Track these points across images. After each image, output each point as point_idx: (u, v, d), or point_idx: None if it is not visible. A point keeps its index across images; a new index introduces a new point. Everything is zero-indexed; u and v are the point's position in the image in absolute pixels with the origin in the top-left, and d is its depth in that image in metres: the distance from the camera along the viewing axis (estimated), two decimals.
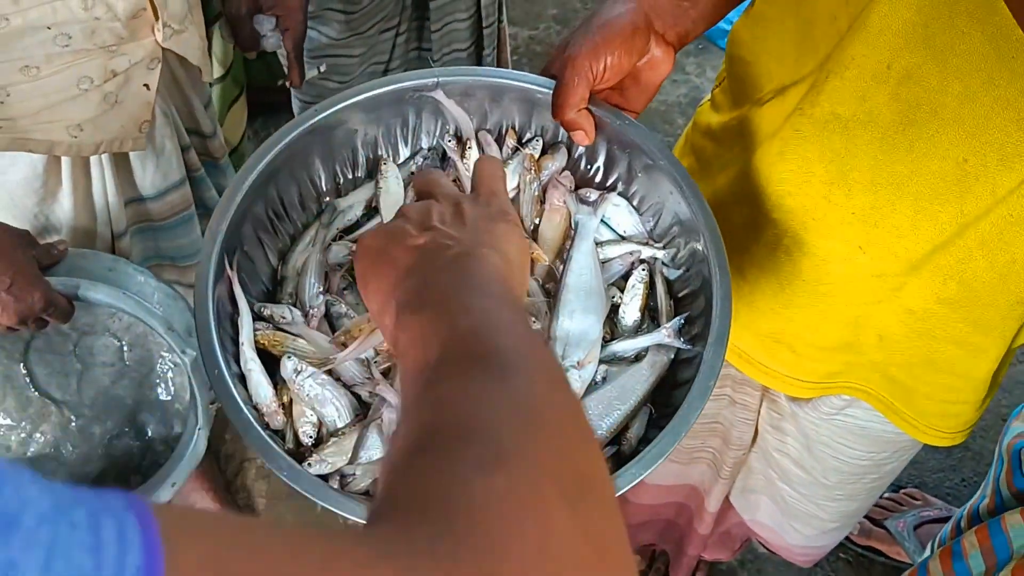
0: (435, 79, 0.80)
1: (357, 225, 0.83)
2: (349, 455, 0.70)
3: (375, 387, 0.72)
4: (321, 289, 0.78)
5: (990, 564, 0.93)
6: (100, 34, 0.91)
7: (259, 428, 0.64)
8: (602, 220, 0.82)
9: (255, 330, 0.74)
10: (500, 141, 0.85)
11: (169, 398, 1.17)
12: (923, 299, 0.78)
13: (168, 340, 0.97)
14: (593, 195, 0.82)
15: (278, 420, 0.71)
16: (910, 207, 0.72)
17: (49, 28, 0.87)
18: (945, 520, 1.49)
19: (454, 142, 0.84)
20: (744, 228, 0.86)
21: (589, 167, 0.84)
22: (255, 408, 0.71)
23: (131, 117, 1.01)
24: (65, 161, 1.02)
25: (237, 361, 0.73)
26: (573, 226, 0.81)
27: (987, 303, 0.76)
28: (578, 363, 0.72)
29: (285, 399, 0.73)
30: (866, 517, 1.63)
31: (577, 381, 0.71)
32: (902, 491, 1.67)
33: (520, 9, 2.53)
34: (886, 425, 0.92)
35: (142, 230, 1.19)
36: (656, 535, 1.43)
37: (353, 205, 0.82)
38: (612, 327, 0.78)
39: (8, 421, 1.12)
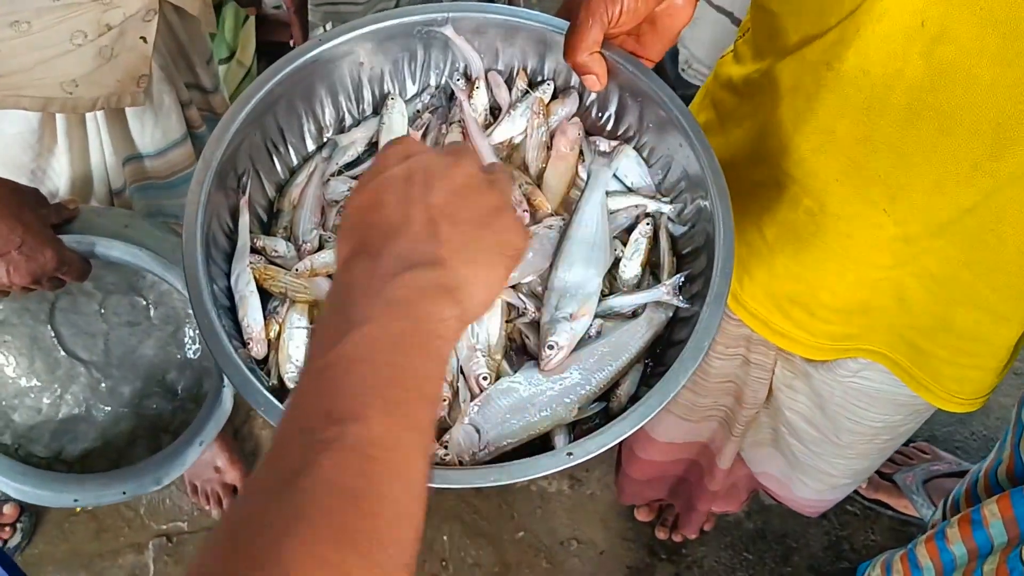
0: (445, 14, 0.77)
1: (358, 161, 0.81)
2: None
3: None
4: (317, 223, 0.76)
5: (1012, 535, 0.91)
6: None
7: (241, 363, 0.63)
8: None
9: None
10: (510, 83, 0.83)
11: (196, 356, 1.16)
12: (947, 263, 0.76)
13: (187, 295, 0.95)
14: (605, 145, 0.80)
15: (261, 349, 0.70)
16: (938, 169, 0.69)
17: None
18: (955, 475, 1.52)
19: (462, 81, 0.82)
20: (764, 186, 0.83)
21: (600, 115, 0.81)
22: (241, 333, 0.70)
23: (127, 71, 0.98)
24: (60, 117, 1.00)
25: (228, 295, 0.72)
26: (585, 175, 0.79)
27: (1014, 269, 0.74)
28: (571, 315, 0.70)
29: (272, 334, 0.72)
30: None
31: (569, 333, 0.70)
32: (911, 445, 1.66)
33: None
34: (902, 388, 0.90)
35: (143, 188, 1.16)
36: (666, 491, 1.43)
37: (356, 141, 0.81)
38: (611, 281, 0.76)
39: (38, 383, 1.12)
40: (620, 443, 0.65)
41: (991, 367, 0.86)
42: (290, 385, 0.69)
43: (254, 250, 0.74)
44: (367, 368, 0.43)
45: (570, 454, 0.60)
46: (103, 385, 1.15)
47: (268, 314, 0.72)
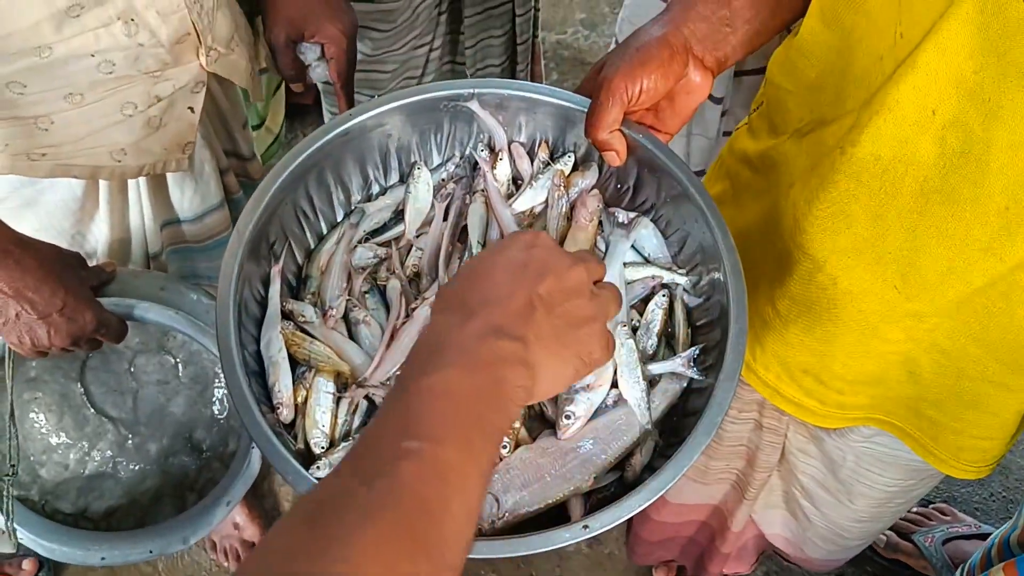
0: (471, 89, 0.80)
1: (384, 228, 0.84)
2: None
3: (376, 391, 0.74)
4: (344, 289, 0.79)
5: None
6: (144, 60, 0.90)
7: (270, 431, 0.66)
8: None
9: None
10: (532, 155, 0.85)
11: (224, 416, 1.18)
12: (958, 340, 0.78)
13: (219, 357, 0.96)
14: (624, 216, 0.82)
15: (289, 414, 0.73)
16: (948, 250, 0.71)
17: (93, 56, 0.86)
18: (975, 537, 1.52)
19: (486, 152, 0.85)
20: (777, 260, 0.85)
21: (620, 187, 0.84)
22: (270, 398, 0.73)
23: (174, 139, 1.00)
24: (103, 183, 1.02)
25: (257, 359, 0.74)
26: (604, 246, 0.81)
27: (1021, 344, 0.75)
28: (588, 386, 0.73)
29: (299, 399, 0.74)
30: (893, 530, 1.62)
31: (586, 403, 0.72)
32: (931, 506, 1.65)
33: (547, 13, 2.50)
34: (913, 455, 0.91)
35: (179, 251, 1.18)
36: (677, 552, 1.43)
37: (382, 208, 0.84)
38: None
39: (67, 439, 1.14)
40: None
41: (1000, 437, 0.87)
42: (316, 451, 0.72)
43: (284, 315, 0.77)
44: (448, 404, 0.49)
45: (586, 527, 0.62)
46: (130, 442, 1.16)
47: (296, 379, 0.75)
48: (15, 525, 1.02)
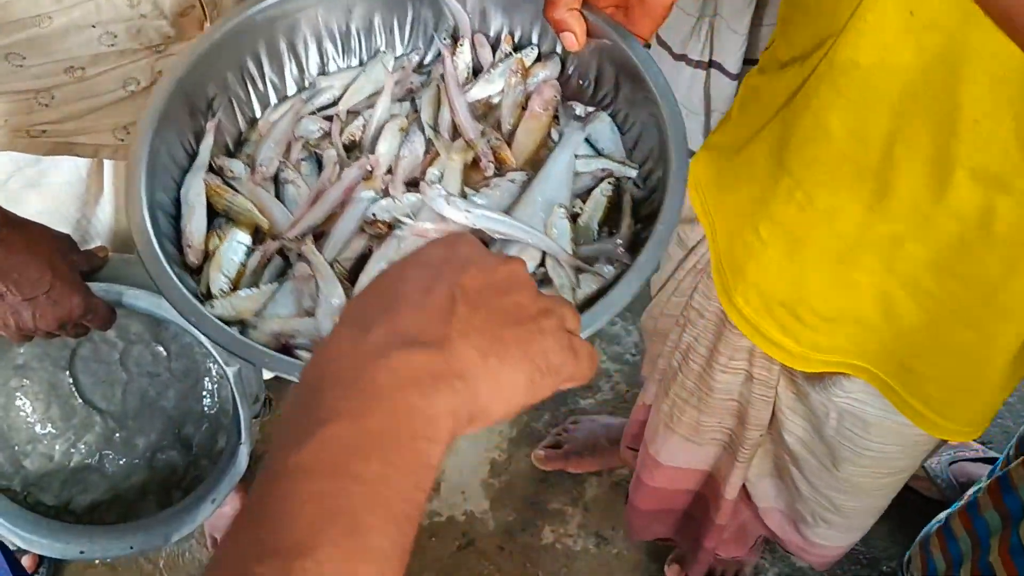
0: None
1: (335, 104, 0.81)
2: (257, 309, 0.67)
3: (300, 248, 0.70)
4: (279, 154, 0.76)
5: None
6: (146, 33, 0.88)
7: (167, 264, 0.63)
8: None
9: None
10: (496, 47, 0.83)
11: (214, 411, 1.15)
12: (937, 274, 0.74)
13: (212, 351, 0.95)
14: (581, 109, 0.78)
15: (196, 257, 0.70)
16: (923, 166, 0.69)
17: (94, 27, 0.84)
18: (981, 460, 1.50)
19: (449, 40, 0.82)
20: (762, 181, 0.83)
21: (582, 82, 0.80)
22: (180, 240, 0.70)
23: None
24: (108, 165, 1.00)
25: (176, 206, 0.72)
26: (557, 137, 0.77)
27: (1006, 284, 0.72)
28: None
29: (211, 247, 0.71)
30: None
31: None
32: None
33: None
34: (895, 416, 0.86)
35: None
36: (672, 527, 1.37)
37: (335, 86, 0.81)
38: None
39: (52, 430, 1.11)
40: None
41: (981, 391, 0.81)
42: (216, 295, 0.68)
43: (212, 170, 0.74)
44: (326, 484, 0.35)
45: None
46: (118, 436, 1.13)
47: (212, 228, 0.72)
48: None
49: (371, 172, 0.74)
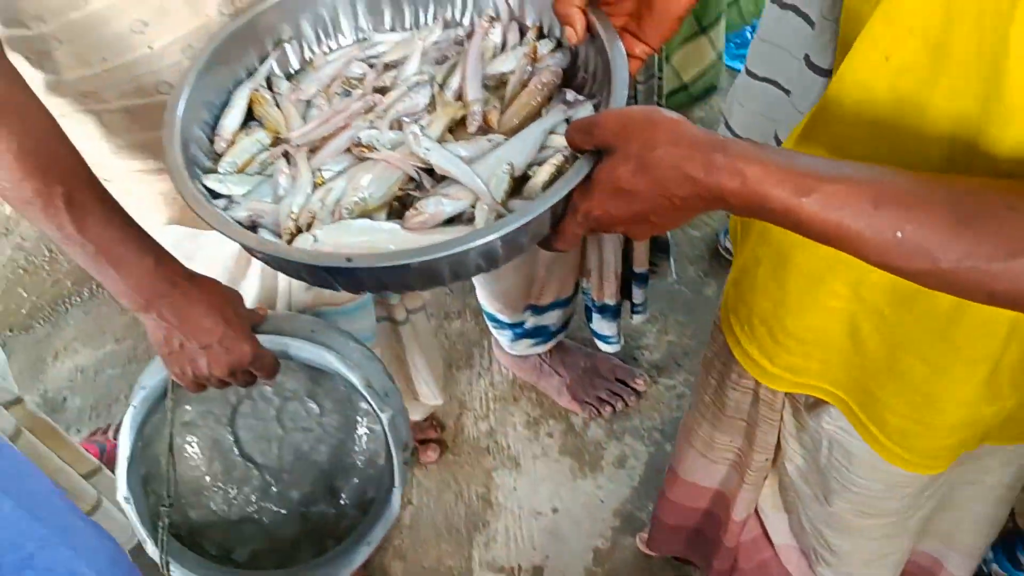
0: None
1: (382, 56, 0.95)
2: (244, 192, 0.82)
3: (295, 153, 0.84)
4: (324, 84, 0.92)
5: None
6: None
7: (178, 144, 0.79)
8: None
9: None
10: (524, 34, 0.93)
11: (363, 464, 1.23)
12: (895, 302, 0.77)
13: (367, 396, 1.03)
14: (572, 96, 0.86)
15: (222, 145, 0.86)
16: None
17: None
18: None
19: (487, 21, 0.94)
20: None
21: (585, 75, 0.89)
22: (215, 132, 0.87)
23: None
24: None
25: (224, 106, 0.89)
26: (543, 113, 0.86)
27: (956, 320, 0.74)
28: (448, 195, 0.77)
29: (238, 139, 0.87)
30: None
31: (436, 205, 0.76)
32: None
33: None
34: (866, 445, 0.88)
35: (319, 313, 1.22)
36: (685, 544, 1.40)
37: (386, 42, 0.96)
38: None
39: (215, 484, 1.19)
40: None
41: (934, 424, 0.82)
42: (218, 172, 0.84)
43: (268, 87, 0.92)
44: None
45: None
46: (273, 489, 1.21)
47: (246, 127, 0.88)
48: (168, 559, 1.09)
49: (373, 107, 0.87)
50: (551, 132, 0.83)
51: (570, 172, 0.71)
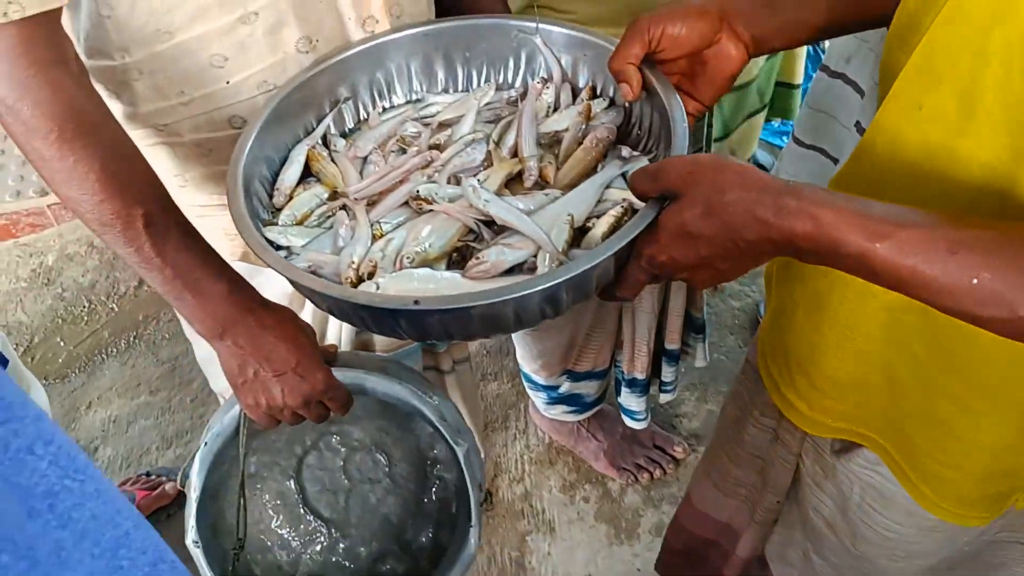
0: (535, 22, 0.94)
1: (435, 116, 0.97)
2: (303, 243, 0.83)
3: (354, 206, 0.85)
4: (379, 142, 0.94)
5: None
6: None
7: (242, 193, 0.80)
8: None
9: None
10: (576, 93, 0.95)
11: (435, 513, 1.19)
12: (929, 346, 0.76)
13: (443, 430, 1.01)
14: (627, 152, 0.88)
15: (281, 200, 0.87)
16: None
17: None
18: None
19: (540, 82, 0.96)
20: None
21: (640, 132, 0.90)
22: (274, 187, 0.88)
23: None
24: None
25: (282, 162, 0.91)
26: (598, 169, 0.87)
27: (988, 360, 0.72)
28: (511, 245, 0.77)
29: (296, 193, 0.89)
30: None
31: (499, 254, 0.76)
32: None
33: None
34: (903, 489, 0.86)
35: None
36: (689, 570, 1.37)
37: (439, 102, 0.98)
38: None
39: (281, 538, 1.15)
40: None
41: (968, 470, 0.79)
42: (279, 219, 0.85)
43: (322, 142, 0.93)
44: None
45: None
46: (341, 545, 1.18)
47: (302, 182, 0.90)
48: None
49: (430, 162, 0.88)
50: (607, 187, 0.85)
51: (635, 218, 0.72)
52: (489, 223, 0.82)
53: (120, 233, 0.79)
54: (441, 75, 0.99)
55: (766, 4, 0.83)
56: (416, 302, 0.67)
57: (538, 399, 1.81)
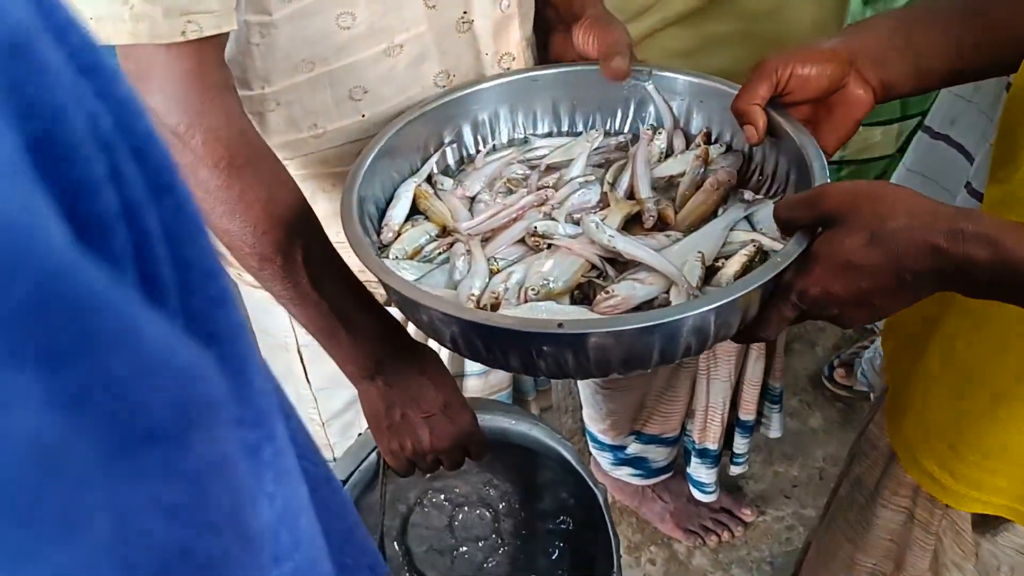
0: (649, 68, 0.92)
1: (541, 159, 0.95)
2: (415, 277, 0.80)
3: (469, 242, 0.82)
4: (486, 182, 0.91)
5: None
6: None
7: (359, 224, 0.77)
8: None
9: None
10: (690, 140, 0.93)
11: (547, 568, 1.14)
12: None
13: (581, 472, 0.97)
14: (749, 195, 0.84)
15: (389, 236, 0.84)
16: None
17: None
18: None
19: (651, 129, 0.94)
20: (946, 306, 0.83)
21: (761, 177, 0.87)
22: (382, 223, 0.85)
23: None
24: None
25: (389, 200, 0.88)
26: (718, 213, 0.84)
27: None
28: (641, 280, 0.74)
29: (404, 230, 0.86)
30: None
31: (629, 288, 0.72)
32: None
33: None
34: None
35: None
36: None
37: (546, 145, 0.96)
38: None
39: None
40: None
41: None
42: (391, 253, 0.82)
43: (428, 181, 0.91)
44: None
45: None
46: None
47: (410, 219, 0.87)
48: None
49: (545, 201, 0.85)
50: (731, 229, 0.81)
51: (784, 248, 0.68)
52: (612, 261, 0.78)
53: (280, 267, 0.76)
54: (547, 121, 0.98)
55: (896, 48, 0.80)
56: (560, 325, 0.63)
57: (603, 459, 1.75)
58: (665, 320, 0.63)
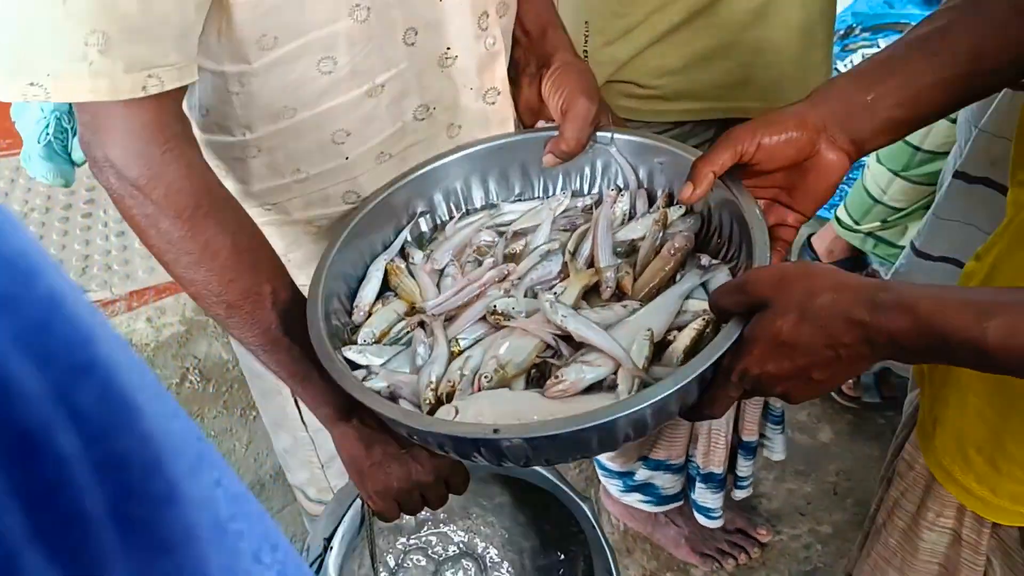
0: (611, 133, 0.94)
1: (510, 224, 0.97)
2: (382, 362, 0.83)
3: (432, 323, 0.85)
4: (455, 254, 0.94)
5: None
6: None
7: (321, 319, 0.80)
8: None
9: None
10: (653, 200, 0.95)
11: None
12: None
13: (586, 509, 0.99)
14: (706, 260, 0.86)
15: (360, 317, 0.88)
16: None
17: None
18: None
19: (615, 190, 0.96)
20: None
21: (719, 240, 0.88)
22: (353, 304, 0.89)
23: None
24: None
25: (361, 278, 0.92)
26: (676, 279, 0.86)
27: None
28: (589, 362, 0.76)
29: (374, 310, 0.89)
30: None
31: (577, 373, 0.75)
32: None
33: None
34: None
35: None
36: None
37: (515, 211, 0.98)
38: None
39: None
40: None
41: None
42: (358, 337, 0.85)
43: (400, 254, 0.95)
44: None
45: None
46: None
47: (381, 297, 0.91)
48: None
49: (506, 276, 0.88)
50: (687, 297, 0.83)
51: (720, 335, 0.70)
52: (567, 338, 0.81)
53: (248, 314, 0.77)
54: (518, 184, 1.00)
55: (865, 107, 0.80)
56: (496, 431, 0.66)
57: (612, 486, 1.77)
58: (599, 422, 0.66)
